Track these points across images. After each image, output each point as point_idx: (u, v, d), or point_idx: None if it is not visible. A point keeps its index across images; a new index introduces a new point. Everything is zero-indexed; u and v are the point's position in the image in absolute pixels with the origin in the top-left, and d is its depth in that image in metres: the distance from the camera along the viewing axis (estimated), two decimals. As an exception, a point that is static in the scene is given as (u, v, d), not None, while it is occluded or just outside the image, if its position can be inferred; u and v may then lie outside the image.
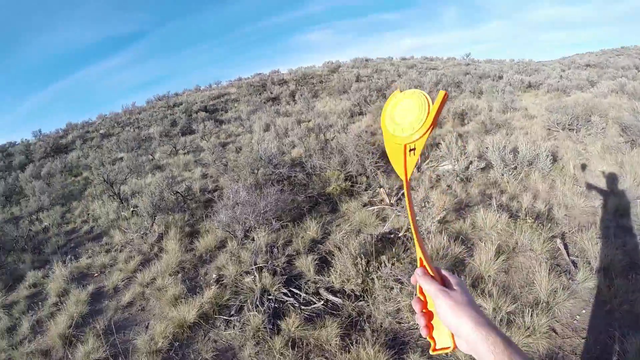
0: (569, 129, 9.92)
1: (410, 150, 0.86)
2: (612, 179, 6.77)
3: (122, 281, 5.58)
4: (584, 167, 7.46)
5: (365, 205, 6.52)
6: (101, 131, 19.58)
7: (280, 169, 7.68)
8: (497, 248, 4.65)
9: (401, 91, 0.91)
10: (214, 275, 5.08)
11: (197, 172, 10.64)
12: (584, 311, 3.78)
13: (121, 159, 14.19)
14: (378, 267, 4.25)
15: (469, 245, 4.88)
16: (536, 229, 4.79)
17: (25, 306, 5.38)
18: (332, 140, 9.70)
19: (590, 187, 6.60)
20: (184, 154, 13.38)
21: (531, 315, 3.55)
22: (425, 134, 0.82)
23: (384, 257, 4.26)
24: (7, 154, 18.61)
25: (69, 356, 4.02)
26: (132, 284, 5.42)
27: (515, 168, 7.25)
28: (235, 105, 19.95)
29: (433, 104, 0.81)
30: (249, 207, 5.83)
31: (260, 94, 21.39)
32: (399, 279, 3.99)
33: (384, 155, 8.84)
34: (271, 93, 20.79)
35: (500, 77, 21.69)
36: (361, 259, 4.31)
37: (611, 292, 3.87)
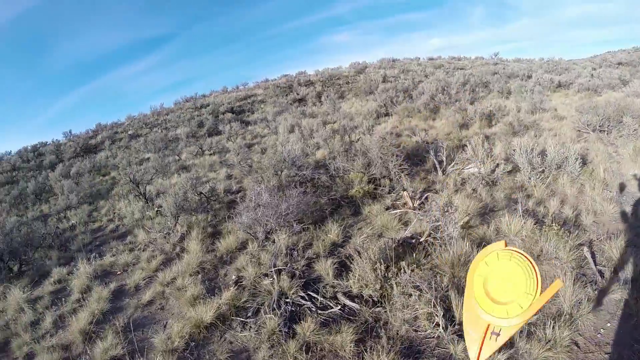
0: (600, 131, 9.53)
1: (493, 334, 0.71)
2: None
3: (144, 280, 5.70)
4: (615, 170, 7.15)
5: (388, 208, 6.43)
6: (130, 132, 20.14)
7: (303, 170, 7.67)
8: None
9: (506, 246, 0.75)
10: (233, 277, 5.12)
11: (222, 172, 10.78)
12: (608, 324, 3.63)
13: (148, 159, 14.54)
14: (397, 273, 4.17)
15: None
16: (562, 236, 4.58)
17: (49, 301, 5.55)
18: (356, 142, 9.64)
19: (621, 192, 6.34)
20: (210, 154, 13.59)
21: (553, 327, 3.41)
22: (520, 323, 0.68)
23: (403, 263, 4.17)
24: (38, 154, 19.41)
25: (88, 352, 4.12)
26: (153, 283, 5.52)
27: (543, 172, 7.01)
28: (262, 106, 20.14)
29: (540, 286, 0.67)
30: (270, 209, 5.84)
31: (286, 95, 21.52)
32: (418, 285, 3.90)
33: (408, 158, 8.73)
34: (297, 94, 20.88)
35: (529, 77, 21.15)
36: (380, 264, 4.23)
37: (639, 305, 3.69)
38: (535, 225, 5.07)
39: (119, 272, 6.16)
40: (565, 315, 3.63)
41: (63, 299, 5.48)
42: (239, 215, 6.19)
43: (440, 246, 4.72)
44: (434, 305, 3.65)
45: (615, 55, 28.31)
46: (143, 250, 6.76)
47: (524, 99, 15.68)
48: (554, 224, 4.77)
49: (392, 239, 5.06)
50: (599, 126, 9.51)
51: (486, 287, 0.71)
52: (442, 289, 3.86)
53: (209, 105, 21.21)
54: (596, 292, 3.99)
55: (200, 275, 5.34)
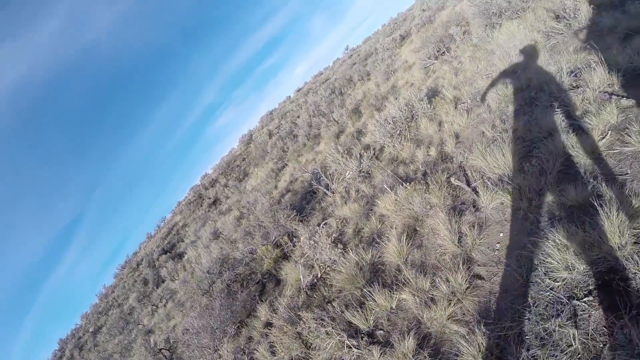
0: (441, 54, 10.59)
1: None
2: (490, 76, 6.84)
3: None
4: (463, 80, 7.70)
5: (299, 259, 6.96)
6: (90, 329, 19.62)
7: (224, 274, 8.10)
8: (403, 230, 4.82)
9: None
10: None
11: (179, 315, 10.92)
12: (501, 234, 3.67)
13: (117, 344, 14.29)
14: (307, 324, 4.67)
15: (382, 240, 4.99)
16: (431, 183, 5.01)
17: None
18: (248, 218, 10.21)
19: (481, 99, 6.46)
20: (164, 305, 13.63)
21: (447, 279, 3.48)
22: None
23: (309, 315, 4.69)
24: None
25: None
26: None
27: (400, 132, 7.72)
28: (187, 230, 20.40)
29: None
30: (205, 332, 6.22)
31: (201, 205, 21.95)
32: (323, 321, 4.40)
33: (303, 198, 9.40)
34: (209, 198, 21.38)
35: (376, 49, 22.87)
36: (295, 325, 4.74)
37: (517, 194, 3.78)
38: (408, 188, 5.34)
39: None
40: (456, 257, 3.74)
41: None
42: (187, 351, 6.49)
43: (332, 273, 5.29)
44: (339, 333, 4.11)
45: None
46: None
47: (379, 71, 16.90)
48: (419, 176, 5.24)
49: (303, 288, 5.59)
50: (437, 51, 10.57)
51: None
52: (340, 314, 4.36)
53: (142, 260, 21.17)
54: (478, 211, 4.17)
55: None
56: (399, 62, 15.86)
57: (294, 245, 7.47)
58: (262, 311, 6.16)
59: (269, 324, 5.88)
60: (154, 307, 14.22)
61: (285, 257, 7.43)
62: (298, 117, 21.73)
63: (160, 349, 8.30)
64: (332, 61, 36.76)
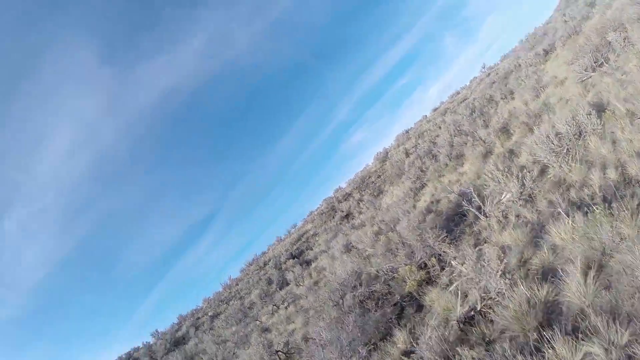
0: (599, 65, 9.01)
1: None
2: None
3: None
4: (633, 92, 6.61)
5: (447, 285, 6.10)
6: (210, 313, 20.95)
7: (359, 289, 7.58)
8: (585, 265, 4.04)
9: None
10: None
11: (299, 321, 10.75)
12: None
13: (234, 333, 14.81)
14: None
15: (557, 276, 4.26)
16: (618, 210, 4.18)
17: None
18: (387, 235, 9.56)
19: None
20: (286, 307, 13.70)
21: None
22: None
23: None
24: (133, 359, 20.44)
25: None
26: None
27: (568, 151, 6.57)
28: (317, 239, 20.61)
29: None
30: (333, 347, 5.71)
31: (332, 217, 22.07)
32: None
33: (451, 220, 8.49)
34: (342, 211, 21.38)
35: (519, 65, 20.91)
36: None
37: None
38: (584, 217, 4.66)
39: None
40: None
41: None
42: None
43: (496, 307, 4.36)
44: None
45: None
46: None
47: (525, 88, 15.46)
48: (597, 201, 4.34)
49: (457, 320, 4.75)
50: (594, 62, 9.04)
51: None
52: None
53: (270, 261, 22.00)
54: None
55: None
56: (546, 78, 14.08)
57: (442, 269, 6.59)
58: (400, 337, 5.43)
59: (407, 353, 5.14)
60: (274, 307, 14.41)
61: (430, 281, 6.60)
62: (437, 136, 20.65)
63: (277, 351, 8.11)
64: (469, 80, 34.67)
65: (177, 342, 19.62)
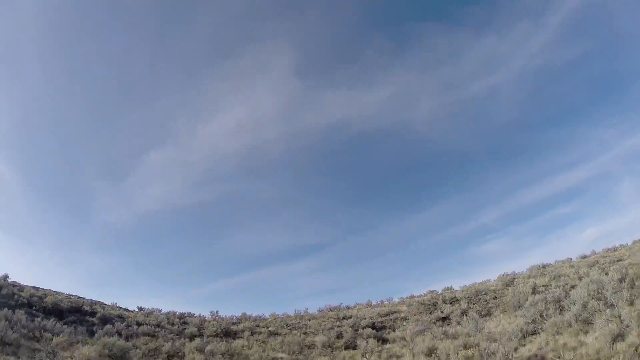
0: None
1: None
2: None
3: None
4: None
5: None
6: (270, 328, 21.99)
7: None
8: None
9: None
10: None
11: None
12: None
13: (281, 359, 15.47)
14: None
15: None
16: None
17: None
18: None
19: None
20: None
21: None
22: None
23: None
24: (183, 322, 22.28)
25: None
26: None
27: None
28: (404, 324, 20.56)
29: None
30: None
31: (430, 312, 21.77)
32: None
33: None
34: (442, 312, 21.02)
35: None
36: None
37: None
38: None
39: None
40: None
41: None
42: None
43: None
44: None
45: None
46: None
47: None
48: None
49: None
50: None
51: None
52: None
53: (350, 317, 22.46)
54: None
55: None
56: None
57: None
58: None
59: None
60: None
61: None
62: (572, 287, 19.04)
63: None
64: (632, 240, 30.45)
65: (228, 333, 21.03)
